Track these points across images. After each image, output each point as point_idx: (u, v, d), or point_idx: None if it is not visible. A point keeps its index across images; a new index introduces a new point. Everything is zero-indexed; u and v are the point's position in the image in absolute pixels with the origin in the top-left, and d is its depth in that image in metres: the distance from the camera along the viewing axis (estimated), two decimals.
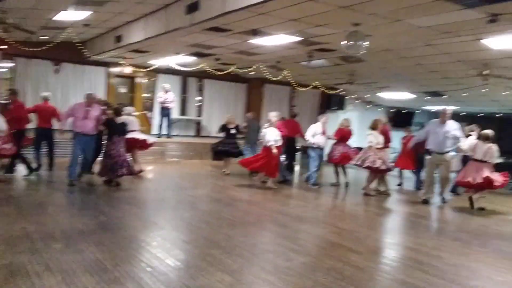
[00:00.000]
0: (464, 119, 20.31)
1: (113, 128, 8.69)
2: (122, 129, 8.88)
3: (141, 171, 10.38)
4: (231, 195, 8.74)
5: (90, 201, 7.54)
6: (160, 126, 14.62)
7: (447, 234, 6.75)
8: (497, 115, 19.20)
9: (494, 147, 8.49)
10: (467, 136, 9.59)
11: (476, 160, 8.50)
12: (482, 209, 8.48)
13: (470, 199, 8.50)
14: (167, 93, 14.47)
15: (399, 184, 11.45)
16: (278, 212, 7.41)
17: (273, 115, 10.01)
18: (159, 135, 14.50)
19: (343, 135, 10.78)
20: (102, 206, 6.99)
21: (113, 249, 4.71)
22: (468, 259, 5.35)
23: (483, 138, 8.64)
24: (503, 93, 13.18)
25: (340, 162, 10.63)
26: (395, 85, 15.33)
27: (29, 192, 8.12)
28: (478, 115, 19.29)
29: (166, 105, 14.43)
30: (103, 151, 8.86)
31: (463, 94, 14.07)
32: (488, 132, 8.66)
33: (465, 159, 9.37)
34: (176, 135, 15.66)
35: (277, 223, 6.50)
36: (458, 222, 7.87)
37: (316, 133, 10.06)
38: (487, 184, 8.31)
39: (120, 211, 6.73)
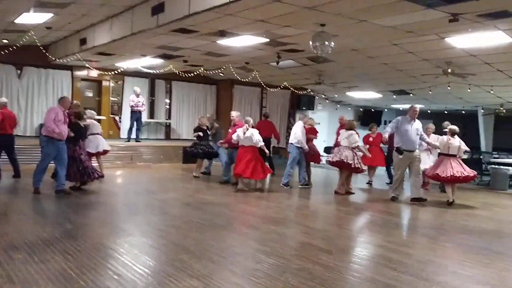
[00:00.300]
0: (431, 116, 20.81)
1: (79, 132, 8.52)
2: (85, 133, 8.91)
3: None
4: (201, 198, 8.66)
5: (55, 209, 7.34)
6: (131, 130, 14.36)
7: (415, 230, 6.86)
8: (462, 112, 19.72)
9: (461, 142, 8.91)
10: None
11: (446, 155, 8.80)
12: (450, 203, 8.69)
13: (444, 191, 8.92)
14: (138, 97, 14.27)
15: (369, 182, 11.60)
16: (249, 214, 7.38)
17: (235, 114, 10.36)
18: (128, 139, 14.27)
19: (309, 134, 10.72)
20: (68, 214, 6.81)
21: (79, 258, 4.58)
22: (436, 254, 5.43)
23: (451, 133, 8.93)
24: (468, 90, 13.53)
25: (310, 161, 10.69)
26: (363, 85, 15.54)
27: None
28: (444, 112, 19.76)
29: (137, 108, 14.21)
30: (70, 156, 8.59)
31: (429, 92, 14.39)
32: (455, 127, 9.03)
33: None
34: (146, 139, 15.49)
35: (247, 225, 6.48)
36: (426, 218, 8.01)
37: (299, 133, 10.20)
38: (457, 178, 8.64)
39: (87, 218, 6.57)
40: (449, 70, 10.90)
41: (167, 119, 16.85)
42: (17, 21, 9.61)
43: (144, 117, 15.54)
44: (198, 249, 5.07)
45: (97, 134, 10.15)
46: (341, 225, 7.01)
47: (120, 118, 15.89)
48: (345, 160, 9.32)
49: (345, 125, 10.20)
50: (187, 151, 11.95)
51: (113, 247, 5.13)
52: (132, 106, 14.14)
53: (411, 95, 15.73)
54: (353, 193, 9.85)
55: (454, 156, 8.87)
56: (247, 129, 9.53)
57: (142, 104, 14.41)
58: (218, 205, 8.14)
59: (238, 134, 9.59)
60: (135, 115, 14.21)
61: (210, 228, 6.22)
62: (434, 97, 15.31)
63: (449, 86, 12.87)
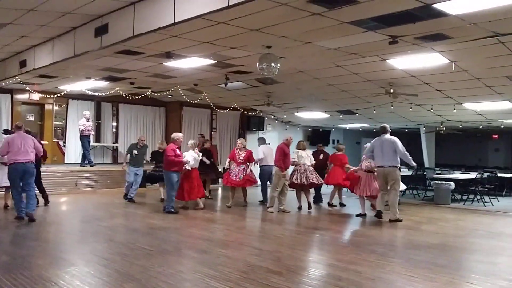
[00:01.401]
0: (376, 134, 21.47)
1: None
2: None
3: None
4: (149, 223, 8.40)
5: None
6: (84, 155, 13.98)
7: (364, 247, 6.93)
8: (406, 130, 20.47)
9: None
10: None
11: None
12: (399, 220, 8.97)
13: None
14: (88, 121, 13.92)
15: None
16: (198, 238, 7.22)
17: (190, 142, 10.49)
18: (82, 164, 13.84)
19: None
20: (5, 245, 6.40)
21: None
22: (385, 271, 5.50)
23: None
24: (410, 109, 14.07)
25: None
26: (311, 105, 15.84)
27: None
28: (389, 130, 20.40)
29: (88, 132, 13.87)
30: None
31: (374, 112, 14.85)
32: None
33: None
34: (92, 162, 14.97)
35: (197, 249, 6.32)
36: (374, 235, 8.14)
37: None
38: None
39: (25, 248, 6.19)
40: (391, 90, 11.30)
41: (114, 143, 16.41)
42: None
43: (91, 141, 15.09)
44: (144, 277, 4.87)
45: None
46: (290, 245, 6.98)
47: (64, 142, 15.32)
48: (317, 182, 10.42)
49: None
50: (151, 174, 11.71)
51: (53, 279, 4.83)
52: (82, 131, 13.75)
53: (356, 114, 16.17)
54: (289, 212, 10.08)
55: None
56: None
57: (92, 128, 14.17)
58: (167, 229, 7.93)
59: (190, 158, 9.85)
60: (86, 139, 13.85)
61: (157, 254, 6.02)
62: (378, 116, 15.81)
63: (392, 106, 13.34)
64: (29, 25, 8.25)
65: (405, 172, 13.55)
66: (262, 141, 12.39)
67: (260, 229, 8.69)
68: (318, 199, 11.80)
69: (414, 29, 6.71)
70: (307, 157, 10.48)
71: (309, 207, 10.39)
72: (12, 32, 8.63)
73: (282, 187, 9.95)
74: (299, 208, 10.55)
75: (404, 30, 6.80)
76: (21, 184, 8.34)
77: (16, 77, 11.41)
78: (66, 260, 5.78)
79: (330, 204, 11.30)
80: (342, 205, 11.35)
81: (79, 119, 14.92)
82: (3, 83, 12.42)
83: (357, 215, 9.57)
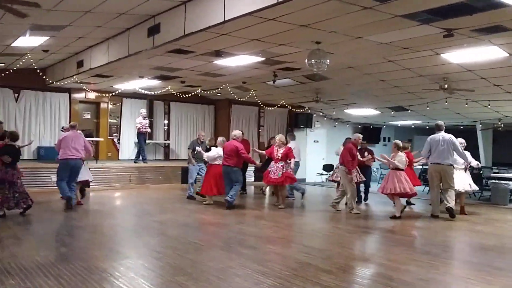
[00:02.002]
0: (429, 132, 20.79)
1: (15, 155, 8.19)
2: (19, 155, 8.38)
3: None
4: (199, 219, 8.55)
5: (51, 232, 7.23)
6: (143, 151, 14.48)
7: (417, 247, 6.74)
8: (460, 127, 19.71)
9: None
10: None
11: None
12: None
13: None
14: (145, 119, 14.41)
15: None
16: (247, 234, 7.27)
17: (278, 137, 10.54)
18: (136, 160, 14.34)
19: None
20: (64, 237, 6.71)
21: (73, 282, 4.47)
22: (438, 272, 5.32)
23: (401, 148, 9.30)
24: (465, 106, 13.54)
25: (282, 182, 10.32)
26: (361, 102, 15.56)
27: None
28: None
29: (145, 130, 14.38)
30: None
31: (427, 108, 14.40)
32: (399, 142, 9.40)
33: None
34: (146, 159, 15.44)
35: (246, 245, 6.36)
36: (428, 235, 7.89)
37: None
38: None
39: (82, 240, 6.47)
40: (446, 86, 10.91)
41: (165, 140, 16.84)
42: (14, 44, 9.65)
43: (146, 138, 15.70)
44: (195, 271, 4.96)
45: None
46: (341, 244, 6.90)
47: (118, 139, 15.88)
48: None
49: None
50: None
51: (108, 270, 5.02)
52: (139, 128, 14.24)
53: (409, 111, 15.73)
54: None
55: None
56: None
57: (149, 126, 14.67)
58: (216, 225, 8.04)
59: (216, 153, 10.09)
60: (143, 136, 14.31)
61: (208, 248, 6.12)
62: (432, 112, 15.31)
63: (446, 102, 12.88)
64: (86, 27, 8.60)
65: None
66: (291, 137, 12.29)
67: (309, 226, 8.63)
68: (364, 197, 11.57)
69: (471, 21, 6.45)
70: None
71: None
72: (70, 33, 9.03)
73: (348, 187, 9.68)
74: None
75: (460, 23, 6.54)
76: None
77: (74, 76, 11.94)
78: (121, 252, 5.98)
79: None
80: (409, 203, 11.06)
81: (133, 117, 15.49)
82: (62, 83, 13.03)
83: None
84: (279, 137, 10.48)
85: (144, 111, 14.74)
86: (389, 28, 7.03)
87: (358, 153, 10.31)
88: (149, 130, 14.82)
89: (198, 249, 6.07)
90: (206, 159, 10.45)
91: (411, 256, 6.08)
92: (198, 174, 11.31)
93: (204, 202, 10.32)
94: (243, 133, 11.63)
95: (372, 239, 7.57)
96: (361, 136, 10.17)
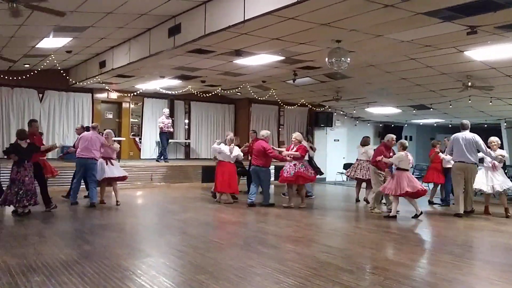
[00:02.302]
0: (452, 130, 20.43)
1: (21, 152, 8.20)
2: (29, 153, 8.35)
3: (116, 203, 9.82)
4: (219, 218, 8.60)
5: (74, 230, 7.35)
6: (165, 150, 14.63)
7: (439, 247, 6.65)
8: (485, 126, 19.32)
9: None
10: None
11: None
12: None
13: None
14: (167, 118, 14.54)
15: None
16: (268, 233, 7.28)
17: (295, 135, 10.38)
18: (158, 159, 14.51)
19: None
20: (87, 235, 6.82)
21: (96, 279, 4.55)
22: (462, 272, 5.24)
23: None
24: (490, 103, 13.28)
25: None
26: (382, 100, 15.40)
27: (12, 224, 7.92)
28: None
29: (167, 129, 14.50)
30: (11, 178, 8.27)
31: (450, 106, 14.18)
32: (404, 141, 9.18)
33: None
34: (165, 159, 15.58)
35: (266, 245, 6.37)
36: (451, 235, 7.77)
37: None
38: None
39: (105, 239, 6.57)
40: (469, 84, 10.72)
41: (186, 139, 16.97)
42: (38, 46, 9.85)
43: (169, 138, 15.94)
44: (216, 270, 5.00)
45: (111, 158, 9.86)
46: (361, 243, 6.85)
47: (140, 139, 16.07)
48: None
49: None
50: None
51: (130, 268, 5.09)
52: (162, 128, 14.37)
53: (431, 109, 15.51)
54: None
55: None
56: (233, 148, 10.13)
57: (171, 125, 14.74)
58: (236, 224, 8.08)
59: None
60: (165, 136, 14.44)
61: (228, 247, 6.15)
62: (455, 111, 15.07)
63: (469, 100, 12.66)
64: (108, 28, 8.72)
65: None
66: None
67: (329, 226, 8.59)
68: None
69: (495, 18, 6.33)
70: (362, 153, 10.88)
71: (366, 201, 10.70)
72: (92, 34, 9.17)
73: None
74: (357, 200, 11.06)
75: (484, 20, 6.43)
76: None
77: (96, 77, 12.13)
78: (143, 250, 6.06)
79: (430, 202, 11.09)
80: (444, 201, 10.97)
81: (154, 117, 15.68)
82: (85, 83, 13.25)
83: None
84: (295, 136, 10.21)
85: (167, 110, 14.86)
86: (410, 26, 6.95)
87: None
88: (171, 129, 14.90)
89: (218, 248, 6.11)
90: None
91: (434, 256, 6.01)
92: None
93: (219, 200, 10.38)
94: (256, 133, 11.84)
95: (393, 239, 7.48)
96: (394, 137, 9.78)
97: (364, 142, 11.23)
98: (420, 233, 7.98)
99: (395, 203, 8.89)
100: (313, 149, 12.15)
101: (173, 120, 16.29)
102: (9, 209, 8.52)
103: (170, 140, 15.93)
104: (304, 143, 10.45)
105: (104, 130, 10.73)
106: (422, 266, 5.38)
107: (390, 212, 8.96)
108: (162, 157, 14.52)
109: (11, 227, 7.53)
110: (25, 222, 7.82)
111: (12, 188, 8.07)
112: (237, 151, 10.23)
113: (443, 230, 8.21)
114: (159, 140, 15.00)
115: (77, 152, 9.51)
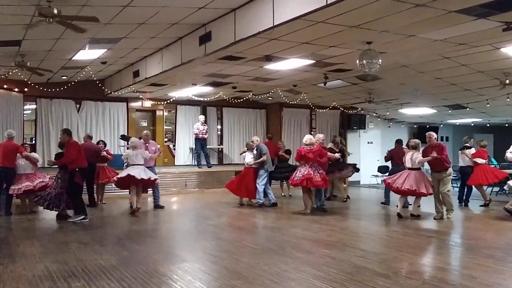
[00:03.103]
0: (491, 130, 19.84)
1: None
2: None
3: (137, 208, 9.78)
4: (253, 222, 8.63)
5: (113, 237, 7.53)
6: (199, 157, 14.83)
7: (479, 251, 6.46)
8: None
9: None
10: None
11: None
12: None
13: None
14: (203, 125, 14.69)
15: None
16: (301, 238, 7.26)
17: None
18: (199, 166, 14.72)
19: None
20: (125, 241, 6.97)
21: (134, 285, 4.66)
22: (504, 277, 5.08)
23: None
24: None
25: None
26: (416, 101, 15.12)
27: (53, 231, 8.18)
28: (505, 125, 18.82)
29: (202, 136, 14.59)
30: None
31: (487, 105, 13.78)
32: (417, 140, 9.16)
33: None
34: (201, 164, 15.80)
35: (300, 249, 6.36)
36: (490, 238, 7.54)
37: None
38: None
39: (142, 244, 6.70)
40: (507, 81, 10.40)
41: (219, 145, 17.13)
42: (74, 58, 10.18)
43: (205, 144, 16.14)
44: (250, 275, 5.02)
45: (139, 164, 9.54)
46: (397, 247, 6.73)
47: (174, 145, 16.34)
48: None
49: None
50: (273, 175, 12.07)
51: (167, 273, 5.18)
52: (196, 134, 14.54)
53: (467, 109, 15.12)
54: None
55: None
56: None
57: (206, 131, 14.84)
58: (270, 229, 8.08)
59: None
60: (199, 142, 14.59)
61: (262, 252, 6.16)
62: (492, 110, 14.64)
63: (508, 98, 12.27)
64: (141, 38, 8.93)
65: None
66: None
67: (364, 230, 8.49)
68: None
69: None
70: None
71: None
72: (126, 45, 9.41)
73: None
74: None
75: None
76: None
77: (131, 86, 12.42)
78: (178, 256, 6.15)
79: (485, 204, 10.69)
80: (487, 203, 10.68)
81: (187, 124, 15.95)
82: (120, 92, 13.59)
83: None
84: (306, 138, 9.79)
85: (202, 117, 15.02)
86: (443, 25, 6.82)
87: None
88: (206, 136, 14.98)
89: (253, 252, 6.13)
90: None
91: (473, 260, 5.84)
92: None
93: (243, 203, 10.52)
94: (270, 137, 12.76)
95: (430, 242, 7.33)
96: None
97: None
98: (458, 236, 7.77)
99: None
100: (341, 151, 11.65)
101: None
102: (49, 218, 8.81)
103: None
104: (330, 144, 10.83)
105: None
106: (461, 270, 5.25)
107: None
108: (203, 163, 14.75)
109: (51, 234, 7.78)
110: (65, 229, 8.07)
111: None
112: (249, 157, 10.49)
113: (482, 233, 7.97)
114: (194, 146, 15.20)
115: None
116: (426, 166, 9.59)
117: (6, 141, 9.43)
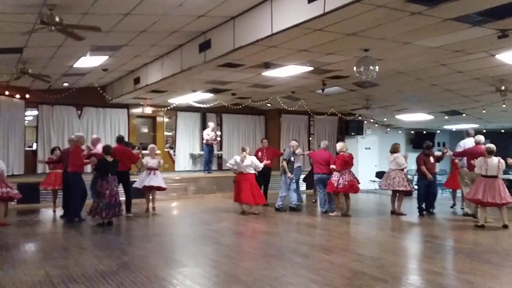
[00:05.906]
0: (487, 136, 19.90)
1: (105, 167, 8.83)
2: (114, 168, 8.97)
3: (152, 208, 10.63)
4: (253, 228, 8.69)
5: (113, 242, 7.59)
6: (207, 162, 14.95)
7: (476, 256, 6.53)
8: None
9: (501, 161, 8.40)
10: None
11: (486, 176, 8.37)
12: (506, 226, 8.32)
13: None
14: (212, 131, 14.81)
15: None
16: (300, 242, 7.33)
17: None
18: (208, 171, 14.81)
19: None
20: (125, 246, 7.04)
21: None
22: (501, 282, 5.15)
23: (488, 152, 8.48)
24: None
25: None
26: (413, 107, 15.24)
27: (53, 236, 8.24)
28: (501, 131, 18.92)
29: (211, 142, 14.78)
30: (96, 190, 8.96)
31: (483, 111, 13.90)
32: (492, 145, 8.55)
33: None
34: (199, 170, 15.88)
35: (299, 254, 6.42)
36: (487, 243, 7.61)
37: None
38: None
39: (142, 249, 6.77)
40: (503, 88, 10.52)
41: (219, 151, 17.20)
42: (75, 65, 10.27)
43: (197, 150, 16.44)
44: (250, 279, 5.08)
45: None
46: (395, 252, 6.81)
47: (174, 151, 16.43)
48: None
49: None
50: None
51: (167, 278, 5.24)
52: (207, 140, 14.66)
53: (463, 115, 15.23)
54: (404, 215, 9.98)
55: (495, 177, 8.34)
56: (245, 157, 10.13)
57: (216, 138, 14.97)
58: (269, 233, 8.15)
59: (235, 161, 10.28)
60: (208, 148, 14.77)
61: (261, 257, 6.23)
62: (488, 116, 14.75)
63: (504, 104, 12.38)
64: (141, 45, 9.04)
65: None
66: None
67: (362, 235, 8.56)
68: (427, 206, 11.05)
69: None
70: (391, 162, 10.33)
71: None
72: (127, 52, 9.51)
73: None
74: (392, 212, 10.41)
75: None
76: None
77: (131, 93, 12.52)
78: (178, 261, 6.22)
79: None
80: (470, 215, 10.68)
81: (187, 130, 16.16)
82: (121, 99, 13.68)
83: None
84: (342, 146, 10.33)
85: (212, 124, 15.14)
86: (439, 32, 6.92)
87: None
88: (215, 142, 15.09)
89: (252, 257, 6.20)
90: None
91: (471, 265, 5.91)
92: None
93: (250, 211, 10.42)
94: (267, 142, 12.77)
95: (427, 247, 7.39)
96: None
97: (394, 149, 10.44)
98: (456, 241, 7.84)
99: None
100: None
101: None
102: (48, 223, 8.85)
103: (203, 152, 16.21)
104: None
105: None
106: (458, 276, 5.31)
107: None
108: (208, 168, 14.88)
109: (52, 239, 7.83)
110: (65, 234, 8.13)
111: (96, 201, 8.70)
112: (249, 161, 10.33)
113: (480, 238, 8.04)
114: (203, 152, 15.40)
115: None
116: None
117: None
